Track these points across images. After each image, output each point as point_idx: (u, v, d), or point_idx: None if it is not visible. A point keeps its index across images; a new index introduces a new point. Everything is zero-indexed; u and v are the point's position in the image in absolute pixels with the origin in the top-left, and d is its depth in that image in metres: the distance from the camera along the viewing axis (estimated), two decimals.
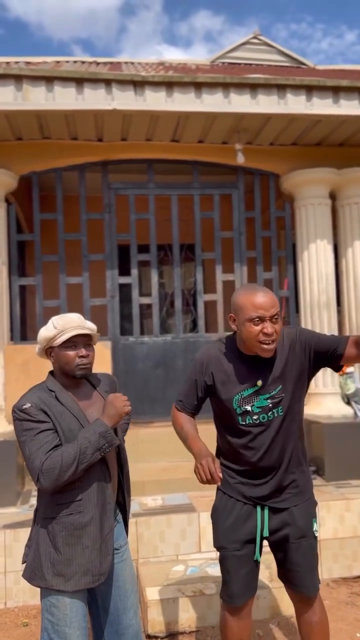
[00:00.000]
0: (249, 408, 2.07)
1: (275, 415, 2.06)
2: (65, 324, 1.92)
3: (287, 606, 3.09)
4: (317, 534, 2.16)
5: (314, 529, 2.13)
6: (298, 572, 2.12)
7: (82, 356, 1.93)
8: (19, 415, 1.86)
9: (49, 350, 1.98)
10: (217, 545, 2.19)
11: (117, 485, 2.07)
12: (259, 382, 2.05)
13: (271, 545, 2.17)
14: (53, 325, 1.95)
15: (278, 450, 2.07)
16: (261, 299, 1.95)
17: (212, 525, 2.21)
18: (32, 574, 1.92)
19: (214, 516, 2.21)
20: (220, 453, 2.23)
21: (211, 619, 3.00)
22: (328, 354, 2.07)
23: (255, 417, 2.07)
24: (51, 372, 2.04)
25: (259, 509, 2.12)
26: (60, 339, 1.91)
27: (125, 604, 2.01)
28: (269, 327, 1.94)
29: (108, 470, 1.96)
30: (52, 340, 1.93)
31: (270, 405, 2.06)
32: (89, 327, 1.98)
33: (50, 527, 1.88)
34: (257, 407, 2.06)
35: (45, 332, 1.95)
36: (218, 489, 2.22)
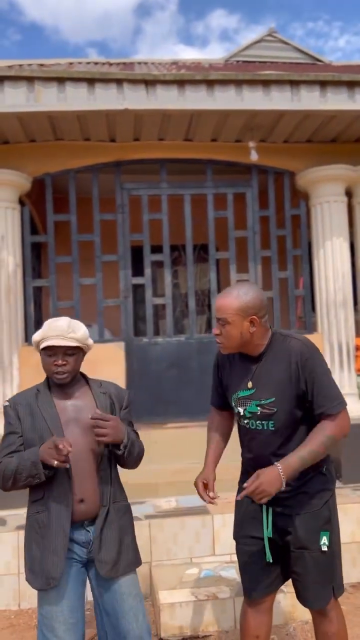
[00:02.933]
0: (241, 411, 2.05)
1: (265, 427, 2.00)
2: (48, 331, 1.97)
3: (302, 612, 3.02)
4: (325, 548, 1.99)
5: (322, 543, 1.99)
6: (298, 583, 2.07)
7: (56, 364, 1.96)
8: (3, 410, 2.02)
9: (40, 352, 2.04)
10: (233, 537, 2.23)
11: (99, 489, 1.99)
12: (249, 384, 2.02)
13: (277, 548, 2.12)
14: (42, 329, 2.01)
15: (275, 460, 1.95)
16: (216, 302, 2.03)
17: None
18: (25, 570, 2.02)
19: (234, 509, 2.25)
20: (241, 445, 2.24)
21: (225, 624, 2.95)
22: (308, 405, 1.98)
23: (245, 422, 2.05)
24: None
25: (264, 508, 2.09)
26: (41, 345, 1.98)
27: (122, 607, 1.97)
28: (214, 328, 2.02)
29: (68, 475, 1.92)
30: (38, 344, 2.01)
31: (260, 414, 1.99)
32: (75, 336, 1.96)
33: (27, 524, 1.99)
34: (249, 412, 2.03)
35: (35, 335, 2.04)
36: (238, 483, 2.24)
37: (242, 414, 2.06)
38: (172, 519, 3.49)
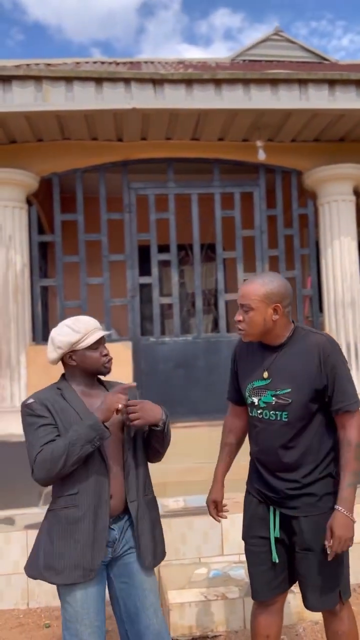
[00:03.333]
0: (255, 401, 2.07)
1: (279, 418, 2.00)
2: (86, 327, 2.00)
3: (312, 612, 3.01)
4: (330, 551, 1.97)
5: (328, 546, 1.97)
6: (302, 584, 2.07)
7: (106, 355, 2.03)
8: (23, 411, 1.96)
9: (69, 354, 2.01)
10: (242, 538, 2.23)
11: (125, 485, 2.01)
12: (265, 374, 2.04)
13: (286, 549, 2.12)
14: (72, 330, 1.99)
15: (284, 456, 2.00)
16: (241, 289, 2.07)
17: None
18: (28, 566, 1.98)
19: (243, 510, 2.25)
20: (250, 445, 2.23)
21: (234, 624, 2.95)
22: (327, 400, 2.00)
23: (259, 412, 2.06)
24: (63, 375, 2.10)
25: (271, 509, 2.09)
26: (86, 341, 1.97)
27: (143, 603, 1.99)
28: (237, 315, 2.04)
29: (106, 466, 1.94)
30: (76, 344, 1.98)
31: (274, 404, 2.00)
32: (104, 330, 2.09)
33: (50, 520, 1.95)
34: (263, 402, 2.04)
35: (67, 337, 1.99)
36: (246, 483, 2.26)
37: (256, 403, 2.06)
38: (180, 519, 3.49)
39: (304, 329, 2.09)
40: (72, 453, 1.82)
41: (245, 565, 3.25)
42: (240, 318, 2.02)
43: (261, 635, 2.16)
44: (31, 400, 1.96)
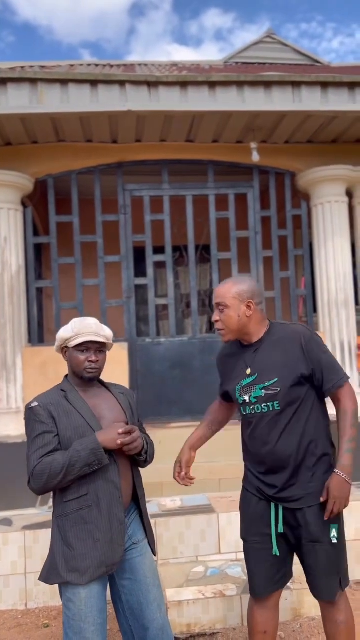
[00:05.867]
0: (247, 398, 2.15)
1: (271, 408, 2.09)
2: (81, 329, 2.03)
3: (309, 608, 3.05)
4: (335, 541, 2.07)
5: (332, 535, 2.07)
6: (311, 575, 2.12)
7: (90, 361, 2.03)
8: (27, 414, 1.99)
9: (64, 350, 2.09)
10: (241, 537, 2.26)
11: (131, 481, 2.08)
12: (248, 371, 2.13)
13: (288, 544, 2.16)
14: (71, 327, 2.05)
15: (281, 444, 2.07)
16: (215, 291, 2.19)
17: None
18: (47, 574, 1.98)
19: (240, 509, 2.28)
20: (242, 447, 2.29)
21: (232, 621, 2.97)
22: (316, 382, 2.12)
23: (251, 408, 2.14)
24: (66, 376, 2.14)
25: (273, 505, 2.13)
26: (74, 341, 2.02)
27: (147, 598, 2.03)
28: (214, 316, 2.17)
29: (115, 463, 1.98)
30: (67, 341, 2.05)
31: (264, 396, 2.09)
32: (104, 334, 2.08)
33: (62, 525, 1.95)
34: (254, 398, 2.12)
35: (64, 332, 2.07)
36: (243, 482, 2.29)
37: (247, 400, 2.14)
38: (177, 518, 3.50)
39: (280, 323, 2.22)
40: (70, 473, 1.88)
41: (243, 563, 3.28)
42: (217, 318, 2.15)
43: (259, 632, 2.20)
44: (35, 404, 1.98)
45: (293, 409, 2.08)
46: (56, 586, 3.25)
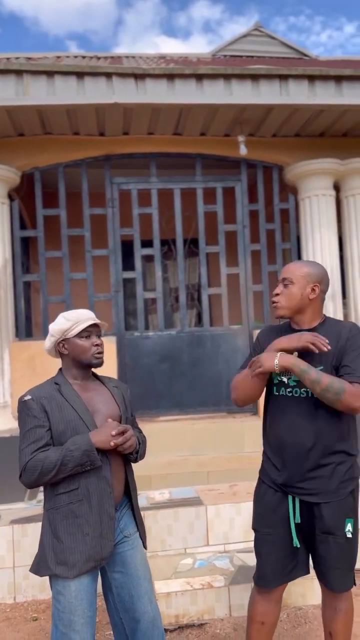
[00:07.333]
0: (284, 379, 2.12)
1: (310, 395, 2.05)
2: (78, 316, 2.05)
3: (295, 598, 3.09)
4: (350, 535, 2.05)
5: (347, 529, 2.05)
6: (321, 566, 2.12)
7: (97, 345, 2.05)
8: (20, 406, 1.98)
9: (62, 343, 2.06)
10: (253, 527, 2.24)
11: (124, 476, 2.09)
12: (296, 353, 2.07)
13: (303, 534, 2.15)
14: (65, 319, 2.05)
15: (305, 431, 2.04)
16: (285, 267, 2.18)
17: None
18: (37, 566, 1.98)
19: (254, 500, 2.26)
20: (263, 435, 2.26)
21: (220, 611, 3.00)
22: (339, 371, 2.06)
23: (288, 390, 2.11)
24: (60, 370, 2.12)
25: (290, 498, 2.12)
26: (76, 329, 2.02)
27: (138, 591, 2.04)
28: (276, 289, 2.16)
29: (107, 459, 1.98)
30: (67, 332, 2.04)
31: None
32: (101, 321, 2.11)
33: (52, 518, 1.96)
34: (294, 381, 2.10)
35: (59, 325, 2.05)
36: (259, 472, 2.28)
37: (285, 382, 2.12)
38: (165, 511, 3.52)
39: (334, 319, 2.21)
40: (62, 471, 1.88)
41: (231, 554, 3.31)
42: (279, 291, 2.14)
43: (257, 622, 2.20)
44: (28, 397, 1.97)
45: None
46: (45, 580, 3.26)
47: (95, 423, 1.99)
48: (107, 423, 1.96)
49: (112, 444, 1.91)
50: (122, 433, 1.94)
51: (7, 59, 5.62)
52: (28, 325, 5.97)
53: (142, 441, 2.15)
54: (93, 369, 2.14)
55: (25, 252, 5.87)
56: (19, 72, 4.21)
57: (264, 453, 2.25)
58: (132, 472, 2.17)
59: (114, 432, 1.92)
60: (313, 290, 2.11)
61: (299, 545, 2.12)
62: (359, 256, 5.01)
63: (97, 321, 2.07)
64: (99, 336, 2.09)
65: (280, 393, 2.14)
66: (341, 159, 4.89)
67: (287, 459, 2.11)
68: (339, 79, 4.52)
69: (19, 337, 4.92)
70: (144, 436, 2.22)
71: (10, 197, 4.85)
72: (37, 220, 4.99)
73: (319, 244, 4.92)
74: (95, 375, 2.18)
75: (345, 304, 5.20)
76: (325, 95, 4.52)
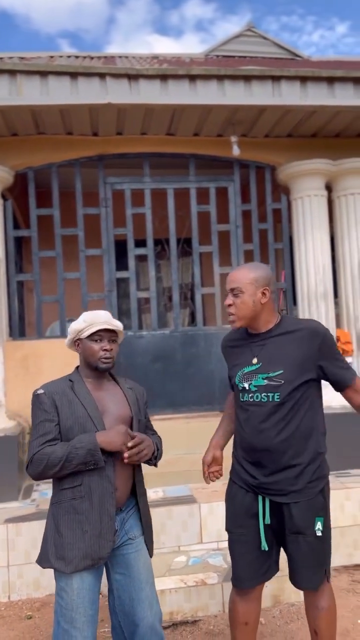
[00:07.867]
0: (246, 385, 2.13)
1: (271, 400, 2.07)
2: (94, 319, 2.08)
3: (288, 594, 3.12)
4: (320, 533, 2.07)
5: (316, 528, 2.07)
6: (292, 564, 2.14)
7: (105, 349, 2.06)
8: (33, 399, 2.03)
9: (77, 342, 2.11)
10: (226, 528, 2.26)
11: (131, 477, 2.10)
12: (254, 360, 2.11)
13: (274, 536, 2.17)
14: (83, 319, 2.10)
15: (275, 436, 2.05)
16: (230, 275, 2.15)
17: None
18: (41, 557, 2.02)
19: (225, 500, 2.29)
20: (234, 437, 2.30)
21: (214, 608, 3.03)
22: (331, 382, 2.15)
23: (250, 395, 2.13)
24: (77, 367, 2.17)
25: (260, 497, 2.13)
26: (88, 331, 2.06)
27: (139, 595, 2.03)
28: (227, 299, 2.14)
29: (112, 459, 1.99)
30: (80, 333, 2.08)
31: (266, 385, 2.08)
32: (115, 324, 2.11)
33: (55, 512, 1.99)
34: (254, 386, 2.11)
35: (76, 324, 2.11)
36: (230, 474, 2.29)
37: (247, 388, 2.13)
38: (159, 509, 3.54)
39: (292, 317, 2.22)
40: (67, 467, 1.91)
41: (225, 552, 3.33)
42: (231, 302, 2.11)
43: (240, 623, 2.21)
44: (41, 391, 2.02)
45: (292, 403, 2.06)
46: (38, 578, 3.28)
47: (104, 422, 2.00)
48: (117, 427, 1.97)
49: (125, 455, 1.94)
50: (136, 445, 1.96)
51: (0, 58, 5.61)
52: (21, 325, 5.97)
53: (159, 447, 2.16)
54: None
55: (18, 251, 5.87)
56: (12, 72, 4.21)
57: (233, 454, 2.27)
58: (141, 474, 2.17)
59: (130, 444, 1.95)
60: (264, 294, 2.10)
61: (267, 549, 2.13)
62: (350, 256, 5.06)
63: (111, 326, 2.07)
64: (113, 341, 2.10)
65: (245, 399, 2.16)
66: (333, 160, 4.93)
67: (255, 461, 2.13)
68: (331, 80, 4.56)
69: (13, 336, 4.92)
70: (159, 437, 2.23)
71: (4, 196, 4.85)
72: (30, 219, 4.99)
73: (311, 244, 4.96)
74: (112, 376, 2.21)
75: (337, 304, 5.24)
76: (317, 97, 4.55)
